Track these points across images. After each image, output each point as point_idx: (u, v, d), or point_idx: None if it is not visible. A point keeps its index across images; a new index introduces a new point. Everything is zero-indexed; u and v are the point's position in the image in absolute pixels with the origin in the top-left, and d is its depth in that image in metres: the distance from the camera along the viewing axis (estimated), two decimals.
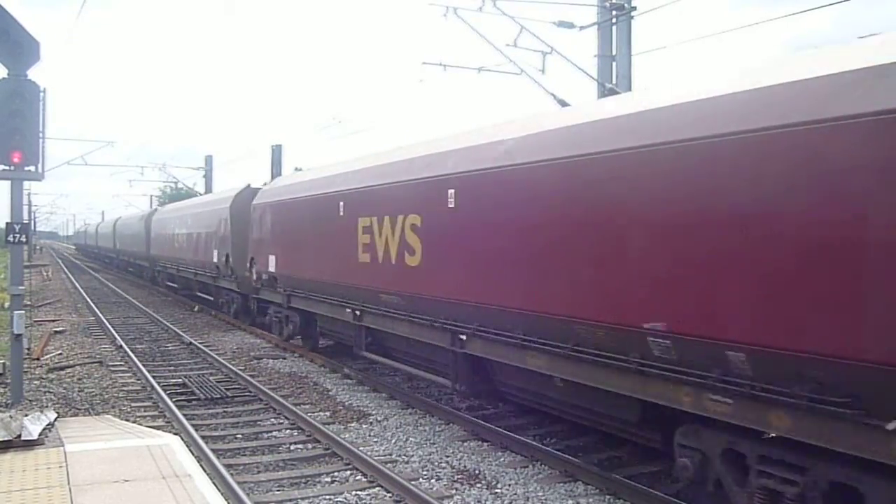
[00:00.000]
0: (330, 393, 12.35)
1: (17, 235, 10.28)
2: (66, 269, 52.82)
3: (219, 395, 12.01)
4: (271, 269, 15.82)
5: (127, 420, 10.18)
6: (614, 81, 13.46)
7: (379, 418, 10.59)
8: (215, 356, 15.53)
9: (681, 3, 12.45)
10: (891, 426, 4.48)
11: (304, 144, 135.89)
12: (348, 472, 8.19)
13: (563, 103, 12.43)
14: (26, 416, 8.33)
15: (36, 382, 12.42)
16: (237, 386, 12.83)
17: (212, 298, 24.32)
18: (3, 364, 12.02)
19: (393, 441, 9.46)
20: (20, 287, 10.51)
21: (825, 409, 4.85)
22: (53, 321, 21.91)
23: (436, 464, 8.51)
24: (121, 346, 16.81)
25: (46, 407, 9.91)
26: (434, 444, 9.31)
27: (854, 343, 4.62)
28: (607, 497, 7.37)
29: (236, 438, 9.72)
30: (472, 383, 9.50)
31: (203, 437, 9.22)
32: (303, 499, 7.41)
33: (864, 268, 4.56)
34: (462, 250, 8.78)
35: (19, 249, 10.49)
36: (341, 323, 13.31)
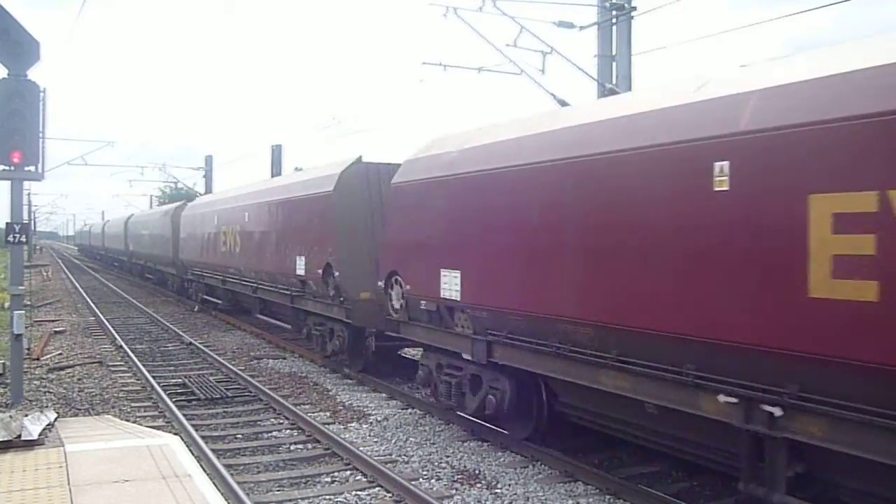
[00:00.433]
0: (330, 393, 12.36)
1: (17, 235, 10.28)
2: (66, 270, 52.83)
3: (219, 396, 12.01)
4: (449, 293, 9.11)
5: (127, 420, 10.18)
6: (614, 81, 13.45)
7: (379, 418, 10.59)
8: (215, 356, 15.54)
9: (681, 3, 12.44)
10: None
11: (304, 144, 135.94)
12: (348, 473, 8.19)
13: (563, 103, 12.43)
14: (26, 416, 8.33)
15: (36, 382, 12.43)
16: (237, 386, 12.83)
17: (289, 326, 17.36)
18: (3, 364, 12.03)
19: (393, 441, 9.46)
20: (20, 287, 10.51)
21: None
22: (53, 321, 21.91)
23: (436, 464, 8.51)
24: (121, 346, 16.81)
25: (46, 407, 9.91)
26: (434, 444, 9.31)
27: None
28: (607, 497, 7.37)
29: (236, 438, 9.72)
30: None
31: (203, 437, 9.22)
32: (303, 499, 7.41)
33: None
34: None
35: (19, 249, 10.50)
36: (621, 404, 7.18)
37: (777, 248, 5.21)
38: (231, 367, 14.23)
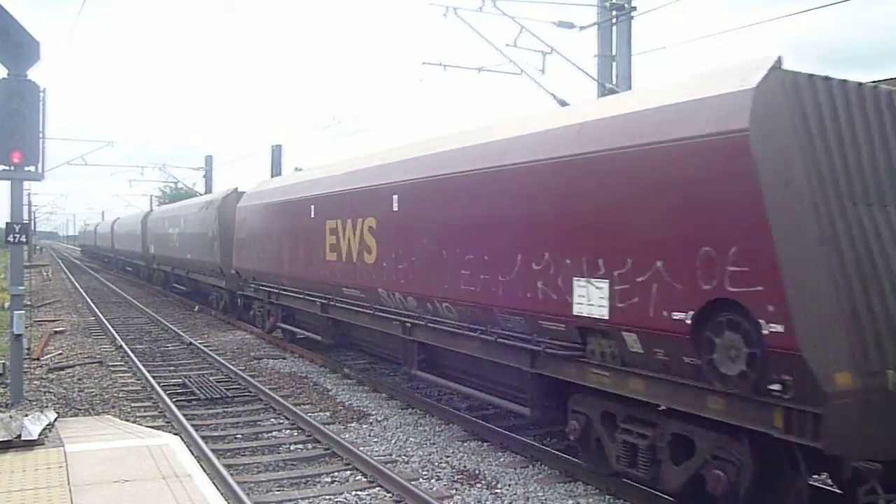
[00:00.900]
0: (330, 393, 12.36)
1: (17, 235, 10.28)
2: (66, 270, 52.84)
3: (219, 396, 12.01)
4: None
5: (127, 420, 10.18)
6: (614, 81, 13.47)
7: (379, 418, 10.59)
8: (215, 356, 15.54)
9: (681, 3, 12.45)
10: None
11: (304, 144, 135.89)
12: (348, 473, 8.20)
13: (563, 103, 12.46)
14: (26, 416, 8.32)
15: (36, 382, 12.43)
16: (237, 386, 12.83)
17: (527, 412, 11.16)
18: (3, 364, 12.02)
19: (393, 441, 9.47)
20: (20, 287, 10.51)
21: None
22: (53, 321, 21.92)
23: (436, 464, 8.51)
24: (121, 346, 16.81)
25: (46, 407, 9.91)
26: (434, 444, 9.31)
27: None
28: (607, 497, 7.38)
29: (236, 438, 9.72)
30: None
31: (203, 437, 9.23)
32: (303, 499, 7.41)
33: None
34: None
35: (19, 249, 10.50)
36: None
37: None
38: (231, 367, 14.23)
